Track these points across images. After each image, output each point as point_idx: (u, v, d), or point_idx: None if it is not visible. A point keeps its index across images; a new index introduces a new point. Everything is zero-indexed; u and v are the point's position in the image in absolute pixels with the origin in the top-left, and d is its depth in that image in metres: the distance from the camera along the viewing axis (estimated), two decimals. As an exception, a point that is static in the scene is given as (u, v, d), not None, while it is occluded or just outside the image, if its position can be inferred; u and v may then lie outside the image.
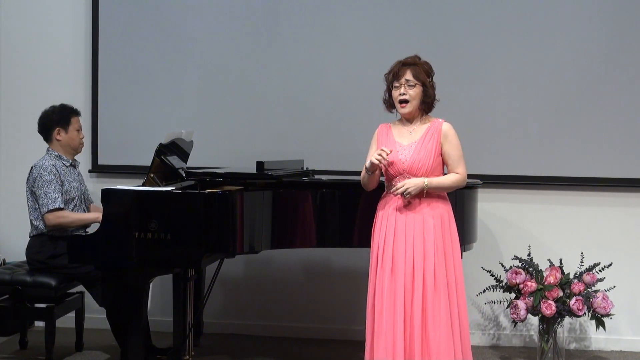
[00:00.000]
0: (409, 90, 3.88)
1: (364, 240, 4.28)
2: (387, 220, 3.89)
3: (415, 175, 3.84)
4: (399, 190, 3.80)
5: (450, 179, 3.90)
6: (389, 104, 3.99)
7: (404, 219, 3.85)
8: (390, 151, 3.83)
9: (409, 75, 3.89)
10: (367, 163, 3.90)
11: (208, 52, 5.39)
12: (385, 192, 3.99)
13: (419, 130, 3.93)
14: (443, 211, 3.89)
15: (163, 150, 4.35)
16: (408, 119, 3.96)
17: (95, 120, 5.46)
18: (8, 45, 5.57)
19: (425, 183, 3.81)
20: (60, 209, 4.59)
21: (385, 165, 3.86)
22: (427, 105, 3.94)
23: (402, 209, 3.86)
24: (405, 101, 3.90)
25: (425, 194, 3.85)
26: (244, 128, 5.37)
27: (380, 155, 3.79)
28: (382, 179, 4.02)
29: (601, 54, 5.14)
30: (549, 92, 5.18)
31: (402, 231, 3.84)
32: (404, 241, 3.83)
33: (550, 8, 5.17)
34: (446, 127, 3.92)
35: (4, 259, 5.27)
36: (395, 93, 3.92)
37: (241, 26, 5.36)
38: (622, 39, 5.13)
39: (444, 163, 3.95)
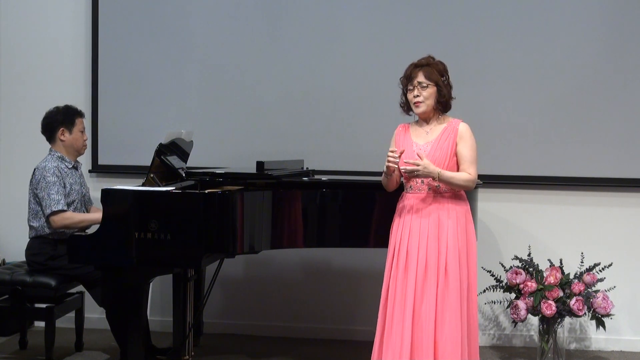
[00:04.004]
0: (422, 92, 3.91)
1: (365, 240, 4.29)
2: (404, 219, 3.90)
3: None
4: (409, 168, 3.80)
5: (462, 177, 3.88)
6: (407, 108, 4.01)
7: (419, 219, 3.86)
8: (403, 151, 3.85)
9: (420, 77, 3.90)
10: (385, 167, 3.92)
11: (208, 52, 5.39)
12: (404, 192, 3.99)
13: (435, 130, 3.95)
14: (460, 212, 3.90)
15: (163, 150, 4.35)
16: (424, 119, 3.98)
17: (95, 120, 5.45)
18: (8, 45, 5.56)
19: (438, 172, 3.81)
20: (63, 210, 4.58)
21: (396, 166, 3.85)
22: (442, 104, 3.95)
23: (418, 208, 3.87)
24: (419, 102, 3.91)
25: (436, 191, 3.86)
26: (244, 128, 5.37)
27: (391, 157, 3.83)
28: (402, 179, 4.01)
29: (601, 54, 5.14)
30: (549, 92, 5.18)
31: (417, 230, 3.85)
32: (417, 240, 3.84)
33: (550, 8, 5.16)
34: (463, 127, 3.94)
35: (4, 259, 5.27)
36: (410, 95, 3.95)
37: (241, 26, 5.36)
38: (623, 39, 5.13)
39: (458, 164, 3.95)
